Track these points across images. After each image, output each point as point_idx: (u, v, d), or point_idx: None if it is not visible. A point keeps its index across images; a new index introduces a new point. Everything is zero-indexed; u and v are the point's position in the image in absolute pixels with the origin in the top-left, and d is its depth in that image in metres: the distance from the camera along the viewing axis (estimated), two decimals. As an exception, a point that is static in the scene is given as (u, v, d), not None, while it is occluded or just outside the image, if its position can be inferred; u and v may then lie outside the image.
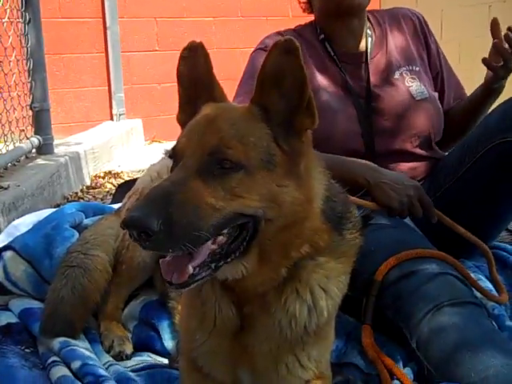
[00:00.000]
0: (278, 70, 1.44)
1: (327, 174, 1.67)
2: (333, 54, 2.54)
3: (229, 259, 1.45)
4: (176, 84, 1.64)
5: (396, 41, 2.62)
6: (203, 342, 1.66)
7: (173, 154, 1.49)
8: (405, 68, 2.57)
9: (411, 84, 2.54)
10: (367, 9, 2.61)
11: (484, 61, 2.36)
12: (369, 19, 2.62)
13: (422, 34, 2.69)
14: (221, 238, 1.42)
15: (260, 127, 1.47)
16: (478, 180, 2.37)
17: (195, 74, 1.58)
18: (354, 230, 1.72)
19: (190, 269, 1.39)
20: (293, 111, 1.48)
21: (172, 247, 1.33)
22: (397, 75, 2.55)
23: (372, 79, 2.53)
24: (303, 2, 2.71)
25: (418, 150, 2.53)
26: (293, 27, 2.71)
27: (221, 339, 1.63)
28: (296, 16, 7.15)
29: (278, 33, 2.61)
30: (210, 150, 1.40)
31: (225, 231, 1.41)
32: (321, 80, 2.51)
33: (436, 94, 2.61)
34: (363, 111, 2.46)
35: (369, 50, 2.56)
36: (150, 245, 1.32)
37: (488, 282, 2.34)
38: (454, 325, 1.83)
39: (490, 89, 2.49)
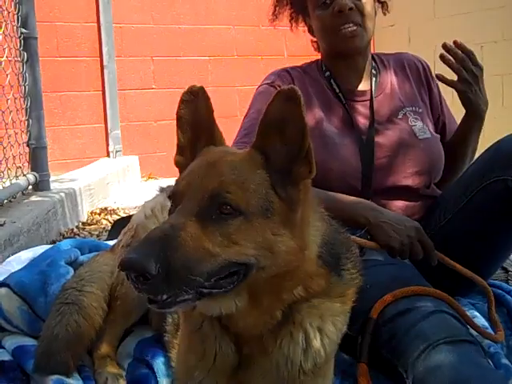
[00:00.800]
0: (280, 118, 1.46)
1: (325, 216, 1.68)
2: (338, 90, 2.58)
3: (214, 291, 1.43)
4: (172, 121, 1.66)
5: (400, 83, 2.66)
6: (202, 379, 1.66)
7: (172, 196, 1.50)
8: (409, 109, 2.61)
9: (415, 123, 2.57)
10: (373, 52, 2.70)
11: (437, 76, 2.49)
12: (374, 60, 2.68)
13: (425, 79, 2.73)
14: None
15: (260, 173, 1.48)
16: (473, 218, 2.38)
17: (195, 118, 1.60)
18: (354, 270, 1.73)
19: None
20: (292, 159, 1.49)
21: (167, 291, 1.33)
22: (400, 115, 2.59)
23: (376, 117, 2.56)
24: (314, 41, 2.78)
25: (417, 189, 2.54)
26: (299, 64, 2.76)
27: (218, 377, 1.63)
28: (291, 55, 7.34)
29: (284, 69, 2.66)
30: (211, 194, 1.41)
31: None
32: (324, 115, 2.54)
33: (438, 136, 2.64)
34: (365, 147, 2.48)
35: (373, 89, 2.60)
36: (145, 288, 1.32)
37: (484, 320, 2.33)
38: (449, 363, 1.81)
39: (468, 113, 2.56)
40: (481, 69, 2.50)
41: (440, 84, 2.66)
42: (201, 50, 7.06)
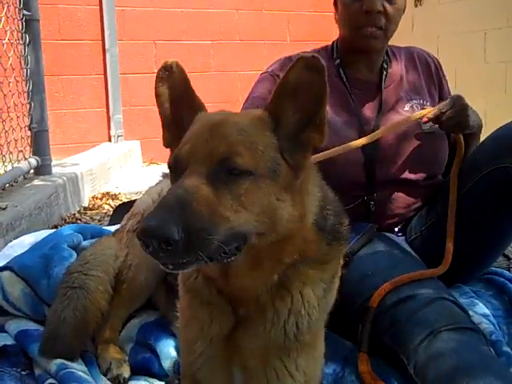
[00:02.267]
0: (298, 84, 1.46)
1: (323, 184, 1.70)
2: (345, 79, 2.56)
3: (222, 256, 1.43)
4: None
5: (409, 76, 2.65)
6: (202, 351, 1.68)
7: (174, 162, 1.48)
8: (416, 101, 2.60)
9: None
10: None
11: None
12: (386, 52, 2.65)
13: (436, 76, 2.72)
14: None
15: (268, 136, 1.48)
16: (474, 206, 2.38)
17: (174, 93, 1.60)
18: (342, 241, 1.75)
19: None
20: (303, 126, 1.50)
21: (188, 256, 1.32)
22: (407, 107, 2.58)
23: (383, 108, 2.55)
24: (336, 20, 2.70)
25: (420, 180, 2.54)
26: (307, 51, 2.71)
27: (218, 345, 1.66)
28: (294, 41, 7.31)
29: (289, 57, 2.62)
30: (220, 157, 1.40)
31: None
32: (329, 103, 2.51)
33: (443, 132, 2.62)
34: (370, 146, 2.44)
35: (383, 80, 2.59)
36: (167, 255, 1.30)
37: (484, 308, 2.35)
38: (451, 350, 1.83)
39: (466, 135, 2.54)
40: (457, 97, 2.47)
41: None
42: (203, 34, 7.02)
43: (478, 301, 2.38)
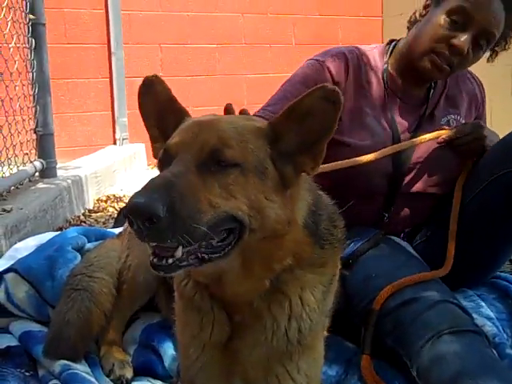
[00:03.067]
0: (311, 111, 1.45)
1: (314, 187, 1.69)
2: (387, 86, 2.50)
3: (215, 255, 1.43)
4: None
5: (450, 92, 2.60)
6: (197, 356, 1.67)
7: (164, 154, 1.47)
8: (453, 116, 2.57)
9: None
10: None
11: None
12: None
13: (480, 96, 2.69)
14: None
15: (262, 143, 1.48)
16: (481, 211, 2.37)
17: (158, 105, 1.62)
18: (337, 243, 1.73)
19: (179, 252, 1.37)
20: (301, 150, 1.49)
21: (172, 236, 1.30)
22: (443, 121, 2.55)
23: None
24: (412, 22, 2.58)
25: (439, 195, 2.53)
26: (359, 46, 2.62)
27: (213, 351, 1.65)
28: (299, 44, 7.31)
29: (341, 51, 2.53)
30: (210, 148, 1.40)
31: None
32: (370, 107, 2.48)
33: None
34: (402, 156, 2.43)
35: (430, 96, 2.55)
36: (151, 233, 1.29)
37: (489, 310, 2.34)
38: (454, 353, 1.82)
39: None
40: (477, 125, 2.45)
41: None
42: (209, 37, 7.03)
43: (482, 303, 2.38)
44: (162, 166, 1.47)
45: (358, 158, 2.32)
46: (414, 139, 2.42)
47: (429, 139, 2.43)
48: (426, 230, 2.57)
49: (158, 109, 1.63)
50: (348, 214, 2.23)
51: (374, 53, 2.57)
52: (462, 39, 2.30)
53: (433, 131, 2.47)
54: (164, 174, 1.37)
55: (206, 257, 1.42)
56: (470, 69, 2.60)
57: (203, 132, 1.44)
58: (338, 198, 2.26)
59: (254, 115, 2.34)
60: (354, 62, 2.50)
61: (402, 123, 2.49)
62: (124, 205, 4.67)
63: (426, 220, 2.59)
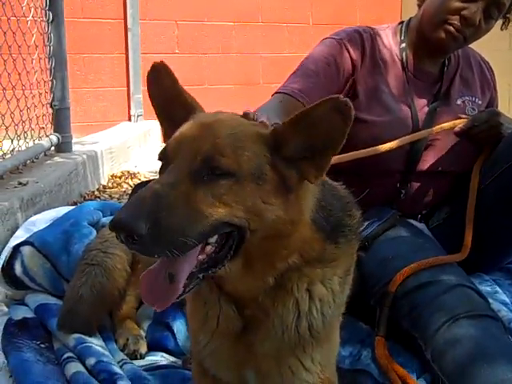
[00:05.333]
0: (319, 121, 1.40)
1: (324, 181, 1.64)
2: (406, 64, 2.52)
3: (216, 268, 1.43)
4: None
5: (463, 73, 2.62)
6: (206, 343, 1.67)
7: (163, 156, 1.46)
8: (468, 98, 2.57)
9: (471, 112, 2.53)
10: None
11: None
12: None
13: (490, 79, 2.70)
14: (209, 248, 1.41)
15: (260, 149, 1.43)
16: (499, 196, 2.35)
17: (165, 93, 1.59)
18: (352, 235, 1.69)
19: (181, 289, 1.37)
20: (305, 159, 1.44)
21: (158, 252, 1.31)
22: (459, 102, 2.55)
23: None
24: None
25: (456, 174, 2.53)
26: (372, 26, 2.65)
27: (223, 340, 1.64)
28: (316, 24, 7.25)
29: (356, 30, 2.55)
30: (203, 156, 1.37)
31: (212, 240, 1.40)
32: (386, 84, 2.50)
33: None
34: (417, 126, 2.44)
35: (444, 73, 2.56)
36: (135, 247, 1.29)
37: (505, 296, 2.34)
38: (470, 337, 1.82)
39: None
40: (493, 112, 2.47)
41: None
42: (226, 15, 6.97)
43: (498, 288, 2.38)
44: (162, 165, 1.45)
45: (376, 147, 2.31)
46: (431, 129, 2.43)
47: (446, 128, 2.43)
48: (442, 213, 2.56)
49: (166, 99, 1.59)
50: (365, 191, 2.20)
51: (387, 32, 2.59)
52: (473, 10, 2.32)
53: (449, 111, 2.50)
54: (153, 186, 1.33)
55: (209, 272, 1.42)
56: (488, 51, 2.60)
57: (200, 138, 1.40)
58: (354, 176, 2.28)
59: (276, 93, 2.34)
60: (369, 41, 2.52)
61: (418, 100, 2.50)
62: (138, 181, 4.69)
63: (442, 202, 2.57)
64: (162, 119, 1.64)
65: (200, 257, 1.40)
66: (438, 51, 2.51)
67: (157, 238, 1.27)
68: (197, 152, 1.37)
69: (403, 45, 2.54)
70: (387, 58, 2.53)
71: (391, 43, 2.56)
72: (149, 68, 1.59)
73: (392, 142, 2.33)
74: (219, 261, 1.43)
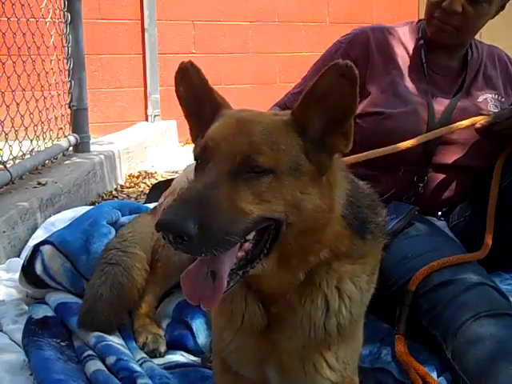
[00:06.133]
0: (328, 90, 1.42)
1: (351, 177, 1.67)
2: (424, 61, 2.54)
3: (254, 264, 1.45)
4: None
5: (487, 71, 2.62)
6: (230, 340, 1.67)
7: (199, 154, 1.47)
8: (490, 95, 2.57)
9: (494, 109, 2.52)
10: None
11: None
12: (470, 45, 2.62)
13: None
14: (247, 245, 1.43)
15: (291, 136, 1.46)
16: None
17: (193, 92, 1.60)
18: (378, 232, 1.70)
19: (225, 286, 1.40)
20: (329, 131, 1.47)
21: (205, 251, 1.32)
22: (481, 99, 2.55)
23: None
24: None
25: (474, 169, 2.52)
26: (387, 24, 2.70)
27: (247, 337, 1.64)
28: (333, 22, 7.24)
29: (365, 29, 2.60)
30: (243, 155, 1.39)
31: (250, 237, 1.41)
32: (403, 79, 2.53)
33: None
34: (433, 119, 2.44)
35: (467, 68, 2.57)
36: (183, 248, 1.31)
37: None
38: (491, 336, 1.81)
39: None
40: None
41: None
42: (242, 14, 6.99)
43: (518, 287, 2.36)
44: (198, 165, 1.47)
45: (395, 146, 2.33)
46: (452, 125, 2.42)
47: (466, 126, 2.42)
48: (463, 211, 2.54)
49: (194, 98, 1.61)
50: (384, 184, 2.21)
51: (404, 29, 2.63)
52: (451, 1, 2.36)
53: (470, 106, 2.49)
54: (196, 186, 1.37)
55: (248, 269, 1.45)
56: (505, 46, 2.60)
57: (236, 136, 1.42)
58: (371, 169, 2.34)
59: (281, 100, 2.38)
60: (379, 37, 2.56)
61: (438, 95, 2.51)
62: (155, 181, 4.70)
63: (463, 199, 2.56)
64: (189, 118, 1.65)
65: (239, 254, 1.42)
66: (439, 45, 2.53)
67: (205, 237, 1.29)
68: (235, 152, 1.40)
69: (421, 41, 2.57)
70: (402, 53, 2.56)
71: (408, 40, 2.60)
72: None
73: (411, 140, 2.34)
74: (256, 257, 1.45)
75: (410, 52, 2.56)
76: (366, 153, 2.33)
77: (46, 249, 2.39)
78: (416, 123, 2.42)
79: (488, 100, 2.54)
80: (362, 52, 2.51)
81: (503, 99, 2.58)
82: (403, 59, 2.55)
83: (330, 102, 1.44)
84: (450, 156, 2.46)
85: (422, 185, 2.45)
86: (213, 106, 1.60)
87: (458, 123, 2.41)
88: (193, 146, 1.62)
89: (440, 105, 2.48)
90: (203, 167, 1.43)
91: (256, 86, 7.01)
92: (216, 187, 1.36)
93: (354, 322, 1.65)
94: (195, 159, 1.50)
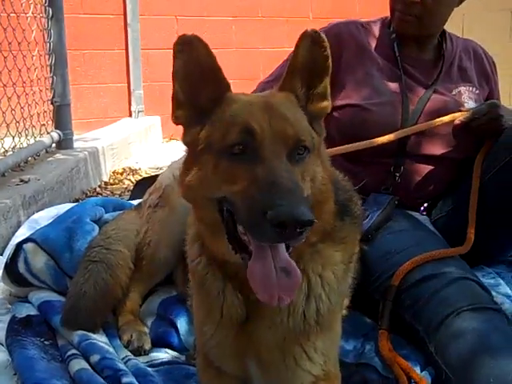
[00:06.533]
0: (306, 59, 1.53)
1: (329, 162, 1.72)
2: (397, 54, 2.57)
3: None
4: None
5: (462, 63, 2.65)
6: (211, 334, 1.68)
7: (242, 138, 1.43)
8: (464, 87, 2.60)
9: (467, 101, 2.56)
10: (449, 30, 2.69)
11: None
12: (445, 36, 2.65)
13: (490, 72, 2.72)
14: None
15: (301, 112, 1.54)
16: (502, 188, 2.35)
17: (192, 69, 1.52)
18: (356, 219, 1.77)
19: (300, 275, 1.43)
20: (312, 97, 1.58)
21: (303, 236, 1.34)
22: (455, 91, 2.58)
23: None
24: None
25: (450, 160, 2.53)
26: (361, 19, 2.74)
27: (227, 330, 1.65)
28: (316, 18, 7.23)
29: (337, 24, 2.64)
30: (294, 139, 1.44)
31: None
32: (378, 71, 2.55)
33: None
34: (407, 110, 2.47)
35: (441, 61, 2.60)
36: (298, 237, 1.32)
37: (508, 288, 2.33)
38: (473, 330, 1.82)
39: None
40: (493, 105, 2.46)
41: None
42: (225, 10, 6.97)
43: (500, 281, 2.37)
44: (240, 150, 1.43)
45: (373, 140, 2.38)
46: (432, 121, 2.45)
47: (446, 121, 2.45)
48: (445, 206, 2.56)
49: (195, 75, 1.52)
50: (361, 174, 2.34)
51: (378, 24, 2.67)
52: None
53: (444, 98, 2.52)
54: (288, 176, 1.37)
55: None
56: (489, 43, 2.62)
57: (278, 121, 1.45)
58: (348, 159, 2.39)
59: (253, 91, 2.40)
60: (353, 31, 2.60)
61: (412, 87, 2.53)
62: (140, 177, 4.68)
63: (445, 194, 2.58)
64: (181, 95, 1.56)
65: None
66: (407, 37, 2.56)
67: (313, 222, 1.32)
68: (285, 137, 1.44)
69: (393, 35, 2.60)
70: (377, 47, 2.60)
71: (381, 34, 2.64)
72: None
73: (389, 135, 2.38)
74: None
75: (384, 46, 2.59)
76: (344, 146, 2.39)
77: (29, 247, 2.37)
78: (391, 114, 2.46)
79: (462, 92, 2.57)
80: (336, 44, 2.49)
81: (477, 91, 2.61)
82: (377, 52, 2.58)
83: (307, 68, 1.54)
84: (425, 147, 2.48)
85: (398, 175, 2.46)
86: (216, 87, 1.54)
87: (438, 119, 2.44)
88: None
89: (414, 96, 2.52)
90: (250, 154, 1.42)
91: (239, 81, 6.95)
92: (292, 173, 1.40)
93: (332, 311, 1.67)
94: (232, 145, 1.44)
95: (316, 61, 1.53)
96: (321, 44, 1.52)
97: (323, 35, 1.51)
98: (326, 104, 1.60)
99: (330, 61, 1.55)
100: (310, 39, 1.51)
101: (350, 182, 1.88)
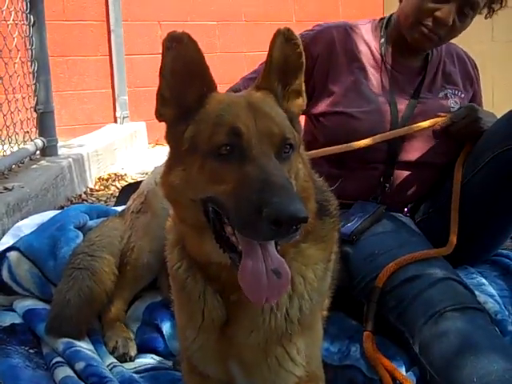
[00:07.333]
0: (280, 57, 1.54)
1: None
2: (385, 59, 2.55)
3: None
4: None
5: (446, 68, 2.65)
6: (194, 338, 1.68)
7: (229, 139, 1.42)
8: (450, 91, 2.60)
9: (454, 106, 2.56)
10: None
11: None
12: None
13: (472, 74, 2.72)
14: None
15: (282, 112, 1.55)
16: (484, 189, 2.37)
17: (181, 66, 1.50)
18: (333, 218, 1.79)
19: (289, 277, 1.44)
20: (288, 94, 1.59)
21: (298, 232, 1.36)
22: (441, 94, 2.58)
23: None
24: None
25: (439, 166, 2.54)
26: (351, 21, 2.67)
27: (209, 334, 1.65)
28: (299, 21, 7.25)
29: (322, 27, 2.60)
30: (281, 138, 1.45)
31: None
32: (365, 77, 2.53)
33: None
34: (395, 116, 2.47)
35: (428, 67, 2.59)
36: (295, 234, 1.33)
37: (491, 288, 2.35)
38: (456, 330, 1.84)
39: None
40: (470, 108, 2.48)
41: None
42: (208, 14, 6.96)
43: (484, 281, 2.39)
44: (228, 150, 1.43)
45: (350, 144, 2.37)
46: (412, 126, 2.45)
47: (426, 127, 2.45)
48: (428, 207, 2.57)
49: (183, 73, 1.51)
50: (350, 184, 2.35)
51: (367, 27, 2.62)
52: (446, 11, 2.35)
53: (431, 103, 2.53)
54: (280, 174, 1.37)
55: None
56: (471, 44, 2.63)
57: (264, 120, 1.46)
58: (338, 168, 2.40)
59: (235, 85, 2.40)
60: (343, 36, 2.55)
61: (399, 93, 2.52)
62: (125, 183, 4.67)
63: (428, 195, 2.60)
64: (167, 92, 1.54)
65: None
66: (415, 50, 2.54)
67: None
68: (272, 136, 1.44)
69: (382, 40, 2.57)
70: (365, 51, 2.57)
71: (370, 38, 2.60)
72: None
73: (367, 139, 2.38)
74: None
75: (373, 50, 2.57)
76: (322, 149, 2.38)
77: (13, 255, 2.36)
78: (379, 122, 2.44)
79: (448, 95, 2.58)
80: (326, 50, 2.51)
81: (463, 95, 2.62)
82: (366, 57, 2.56)
83: (282, 66, 1.56)
84: (414, 153, 2.49)
85: (388, 185, 2.47)
86: (202, 85, 1.53)
87: (418, 124, 2.45)
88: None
89: (402, 103, 2.51)
90: (237, 153, 1.41)
91: (224, 86, 6.97)
92: (283, 171, 1.41)
93: (313, 311, 1.68)
94: (219, 146, 1.43)
95: (290, 58, 1.55)
96: (293, 41, 1.53)
97: (296, 34, 1.53)
98: (301, 101, 1.62)
99: (303, 58, 1.56)
100: (282, 37, 1.52)
101: (326, 183, 1.88)
